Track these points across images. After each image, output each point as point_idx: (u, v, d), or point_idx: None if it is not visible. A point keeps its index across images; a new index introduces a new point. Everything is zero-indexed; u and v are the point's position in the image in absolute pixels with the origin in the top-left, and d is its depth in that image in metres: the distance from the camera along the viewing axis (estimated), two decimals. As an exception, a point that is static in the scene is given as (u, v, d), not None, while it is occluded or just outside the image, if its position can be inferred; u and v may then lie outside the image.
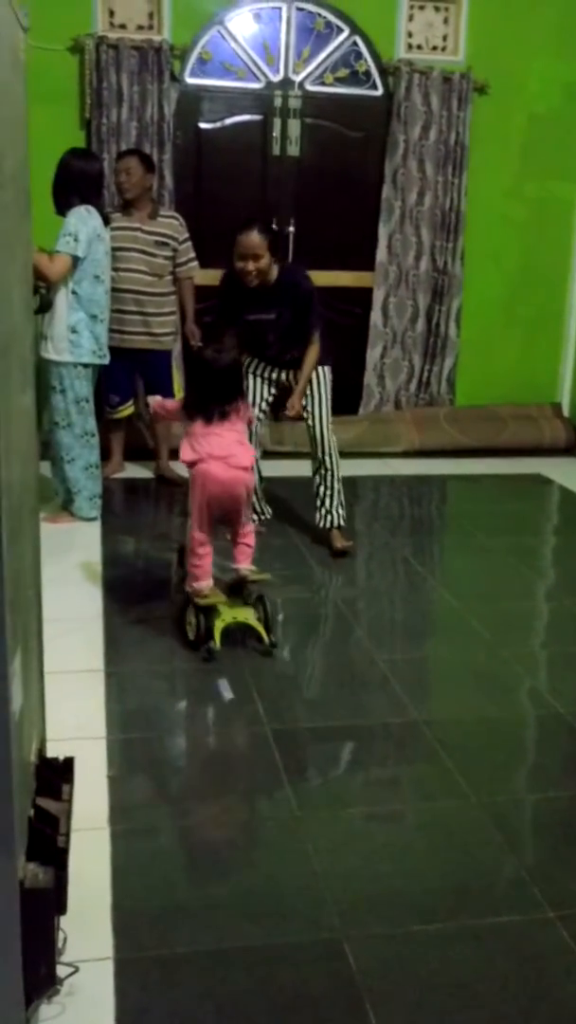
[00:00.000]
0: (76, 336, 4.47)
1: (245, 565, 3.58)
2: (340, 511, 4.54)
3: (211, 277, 6.16)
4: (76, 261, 4.38)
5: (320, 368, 4.52)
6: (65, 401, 4.53)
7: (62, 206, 4.43)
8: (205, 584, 3.50)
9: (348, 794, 2.67)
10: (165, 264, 5.20)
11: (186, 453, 3.45)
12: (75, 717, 2.91)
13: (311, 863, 2.31)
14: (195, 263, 5.38)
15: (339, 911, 2.15)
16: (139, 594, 4.09)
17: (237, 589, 3.58)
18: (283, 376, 4.60)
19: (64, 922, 1.93)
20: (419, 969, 2.00)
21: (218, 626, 3.42)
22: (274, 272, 4.34)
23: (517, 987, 1.97)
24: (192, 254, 5.35)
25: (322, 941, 2.06)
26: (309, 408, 4.52)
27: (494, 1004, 1.92)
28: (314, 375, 4.50)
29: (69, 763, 2.11)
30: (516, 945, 2.08)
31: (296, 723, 3.02)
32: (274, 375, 4.63)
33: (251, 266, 4.22)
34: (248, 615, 3.49)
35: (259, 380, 4.65)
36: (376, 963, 2.01)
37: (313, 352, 4.44)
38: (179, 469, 5.06)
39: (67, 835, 1.89)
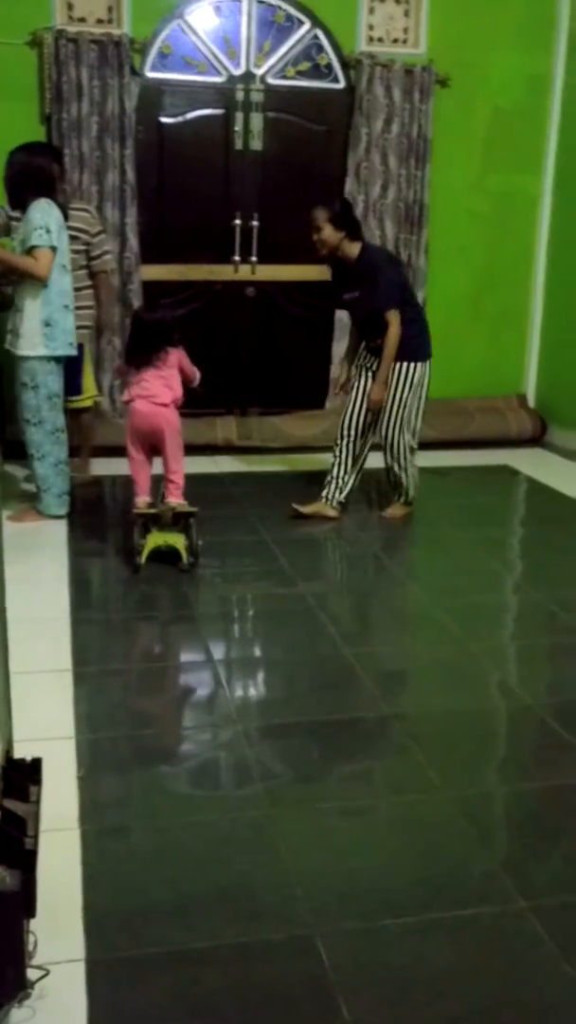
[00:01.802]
0: (50, 329, 4.43)
1: (173, 499, 4.15)
2: (401, 489, 4.86)
3: (175, 272, 6.17)
4: (53, 252, 4.36)
5: (400, 363, 4.60)
6: (37, 397, 4.49)
7: (17, 201, 4.39)
8: (140, 499, 4.20)
9: (319, 790, 2.66)
10: (76, 258, 4.99)
11: (125, 395, 4.25)
12: (43, 717, 2.88)
13: (283, 860, 2.30)
14: (109, 255, 5.27)
15: (311, 907, 2.14)
16: (106, 593, 4.07)
17: (169, 519, 4.15)
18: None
19: (34, 925, 1.91)
20: (391, 963, 2.00)
21: (148, 545, 4.08)
22: (354, 250, 4.57)
23: (489, 979, 1.97)
24: (107, 247, 5.22)
25: (294, 938, 2.06)
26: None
27: (466, 996, 1.93)
28: (396, 368, 4.59)
29: (37, 764, 2.09)
30: (488, 937, 2.08)
31: (267, 719, 3.01)
32: (374, 365, 4.71)
33: (314, 236, 4.58)
34: (177, 540, 4.10)
35: (365, 372, 4.76)
36: (348, 958, 2.00)
37: (389, 336, 4.52)
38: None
39: (35, 837, 1.87)
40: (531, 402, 6.81)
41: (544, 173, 6.53)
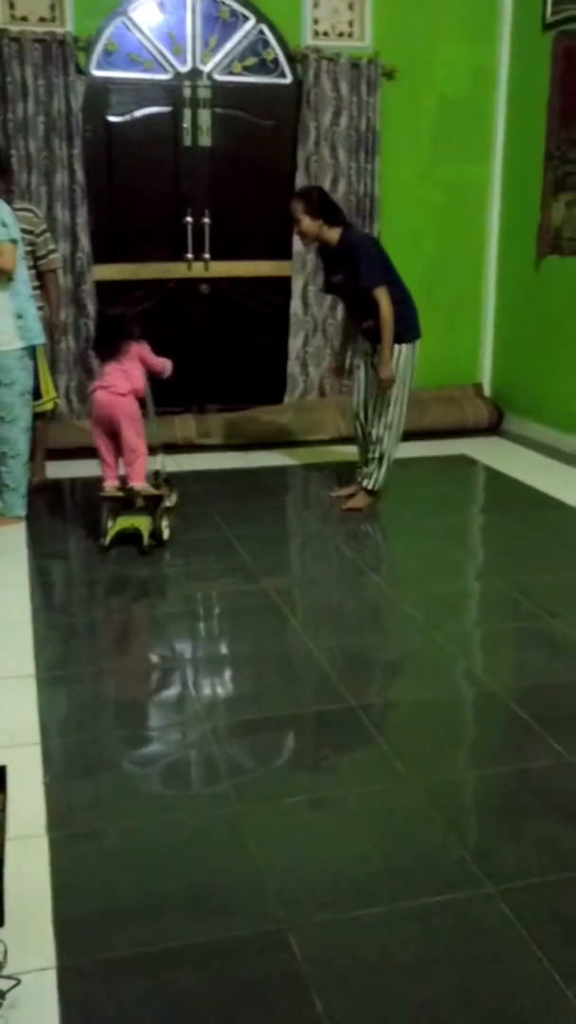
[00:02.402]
0: (23, 321, 4.42)
1: (135, 483, 4.36)
2: (368, 472, 4.86)
3: (128, 271, 6.14)
4: (14, 245, 4.34)
5: (396, 346, 4.61)
6: (11, 394, 4.47)
7: None
8: (108, 483, 4.42)
9: (287, 784, 2.67)
10: (23, 259, 4.98)
11: (93, 386, 4.48)
12: (7, 724, 2.87)
13: (253, 855, 2.31)
14: (56, 255, 5.19)
15: (282, 902, 2.15)
16: (68, 595, 4.05)
17: (130, 503, 4.39)
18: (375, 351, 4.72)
19: (3, 934, 1.90)
20: (364, 953, 2.01)
21: (113, 528, 4.31)
22: (334, 235, 4.60)
23: (461, 964, 1.99)
24: (52, 246, 5.13)
25: (267, 933, 2.06)
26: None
27: (439, 982, 1.94)
28: (378, 350, 4.62)
29: (1, 771, 2.08)
30: (459, 923, 2.10)
31: (234, 716, 3.01)
32: (370, 350, 4.73)
33: (295, 229, 4.69)
34: (142, 523, 4.29)
35: (363, 356, 4.80)
36: (321, 951, 2.01)
37: (382, 314, 4.52)
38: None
39: (2, 845, 1.86)
40: (487, 391, 6.86)
41: (492, 162, 6.58)
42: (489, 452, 6.09)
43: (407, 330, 4.68)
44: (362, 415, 4.88)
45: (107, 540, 4.30)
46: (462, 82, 6.40)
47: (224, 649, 3.60)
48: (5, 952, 1.90)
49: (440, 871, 2.27)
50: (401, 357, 4.67)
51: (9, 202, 4.57)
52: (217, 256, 6.22)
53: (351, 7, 6.14)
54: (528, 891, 2.19)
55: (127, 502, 4.39)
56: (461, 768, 2.75)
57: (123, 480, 4.43)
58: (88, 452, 5.74)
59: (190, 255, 6.19)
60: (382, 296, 4.52)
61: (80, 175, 5.78)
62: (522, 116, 6.29)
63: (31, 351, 4.54)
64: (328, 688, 3.14)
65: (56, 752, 2.76)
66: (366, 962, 1.99)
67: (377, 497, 4.93)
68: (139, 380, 4.40)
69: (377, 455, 4.81)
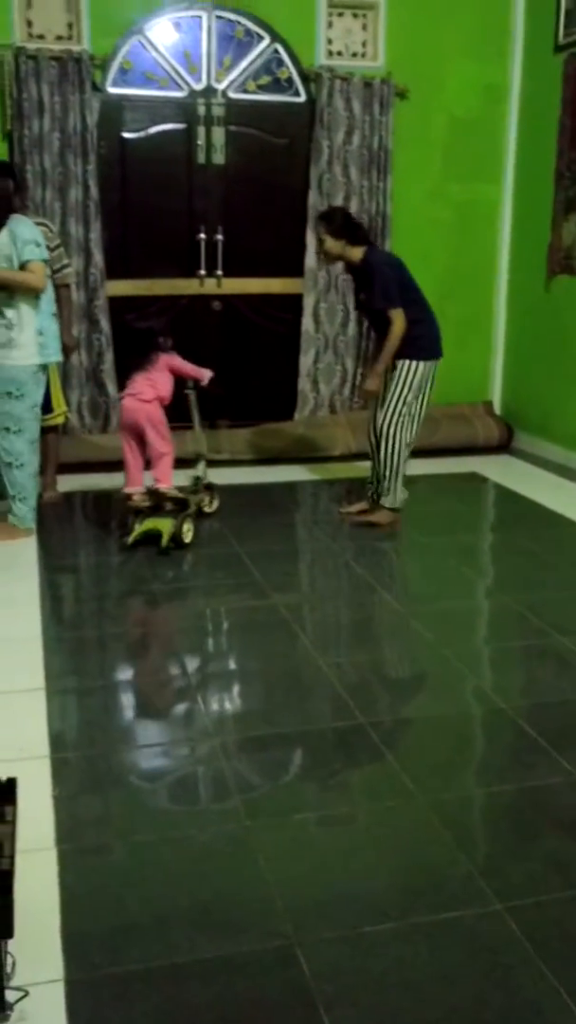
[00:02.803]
0: (43, 338, 4.49)
1: (161, 484, 4.60)
2: (383, 490, 4.88)
3: (141, 287, 6.18)
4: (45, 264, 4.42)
5: (403, 360, 4.66)
6: (22, 406, 4.50)
7: None
8: (131, 489, 4.66)
9: (296, 800, 2.67)
10: (48, 277, 4.96)
11: (121, 395, 4.74)
12: (17, 737, 2.88)
13: (262, 872, 2.31)
14: (69, 269, 5.24)
15: (291, 918, 2.15)
16: (79, 610, 4.06)
17: (158, 506, 4.62)
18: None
19: (12, 946, 1.90)
20: (372, 970, 2.01)
21: (138, 528, 4.51)
22: (357, 254, 4.68)
23: (469, 981, 1.99)
24: (66, 260, 5.18)
25: (275, 949, 2.06)
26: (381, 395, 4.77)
27: (447, 999, 1.94)
28: (399, 365, 4.67)
29: (11, 784, 2.08)
30: (467, 940, 2.10)
31: (243, 732, 3.01)
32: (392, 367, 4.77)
33: (318, 248, 4.81)
34: (164, 525, 4.47)
35: (385, 375, 4.80)
36: (329, 967, 2.01)
37: (390, 332, 4.59)
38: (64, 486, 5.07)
39: (11, 857, 1.86)
40: (497, 409, 6.87)
41: (503, 180, 6.61)
42: (499, 470, 6.10)
43: (424, 348, 4.71)
44: (373, 431, 4.90)
45: (131, 540, 4.50)
46: (474, 102, 6.44)
47: (233, 665, 3.60)
48: (14, 964, 1.91)
49: (448, 888, 2.27)
50: (416, 374, 4.70)
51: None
52: (229, 273, 6.25)
53: (364, 28, 6.19)
54: (536, 908, 2.18)
55: (155, 506, 4.64)
56: (470, 785, 2.74)
57: (150, 491, 4.68)
58: (99, 466, 5.81)
59: (203, 272, 6.23)
60: (396, 316, 4.58)
61: (94, 191, 5.83)
62: (533, 136, 6.32)
63: (46, 367, 4.58)
64: (337, 705, 3.14)
65: (65, 766, 2.76)
66: (374, 979, 1.99)
67: (398, 513, 4.92)
68: (165, 388, 4.64)
69: (385, 471, 4.83)
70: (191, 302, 6.29)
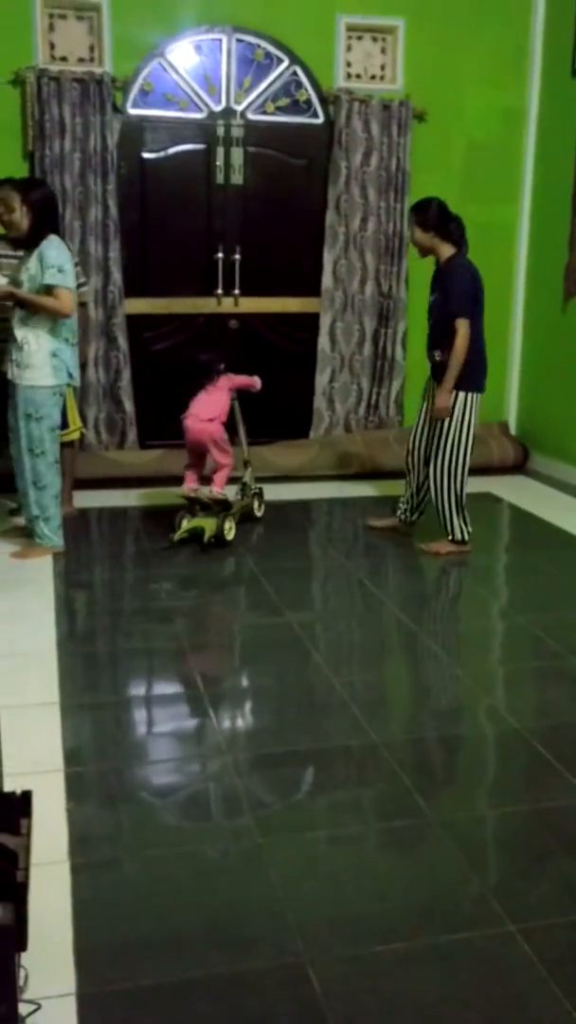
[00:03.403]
0: (57, 360, 4.50)
1: (214, 488, 4.94)
2: (446, 525, 4.80)
3: (159, 307, 6.23)
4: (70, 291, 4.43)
5: (458, 392, 4.58)
6: (41, 428, 4.52)
7: (36, 237, 4.40)
8: (187, 486, 5.01)
9: (309, 818, 2.67)
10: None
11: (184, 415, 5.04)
12: (32, 751, 2.89)
13: (274, 888, 2.31)
14: (86, 287, 5.25)
15: (303, 935, 2.15)
16: (93, 625, 4.07)
17: (206, 506, 4.94)
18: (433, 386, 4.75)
19: (25, 959, 1.90)
20: (383, 990, 2.01)
21: (184, 526, 4.84)
22: (445, 251, 4.65)
23: (481, 1003, 1.98)
24: (83, 279, 5.19)
25: (286, 966, 2.06)
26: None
27: (459, 1021, 1.93)
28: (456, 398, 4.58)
29: (27, 797, 2.09)
30: (479, 962, 2.09)
31: (256, 749, 3.02)
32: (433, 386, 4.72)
33: (410, 236, 4.76)
34: (207, 524, 4.80)
35: (427, 395, 4.81)
36: (340, 986, 2.01)
37: (456, 344, 4.55)
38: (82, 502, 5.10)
39: (26, 870, 1.87)
40: (513, 430, 6.87)
41: (521, 203, 6.63)
42: (514, 491, 6.09)
43: (477, 380, 4.67)
44: (415, 451, 4.87)
45: (176, 537, 4.82)
46: (491, 125, 6.48)
47: (247, 682, 3.61)
48: (26, 977, 1.91)
49: (461, 909, 2.26)
50: (471, 409, 4.64)
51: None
52: (247, 292, 6.29)
53: (383, 51, 6.24)
54: (549, 931, 2.17)
55: (204, 505, 4.93)
56: (483, 806, 2.74)
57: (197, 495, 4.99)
58: (116, 482, 5.85)
59: (220, 291, 6.27)
60: (462, 326, 4.54)
61: (113, 210, 5.88)
62: (550, 159, 6.35)
63: (63, 388, 4.60)
64: (350, 723, 3.14)
65: (79, 780, 2.77)
66: (386, 999, 1.99)
67: (466, 544, 4.81)
68: (222, 405, 5.06)
69: (443, 505, 4.74)
70: (208, 321, 6.33)
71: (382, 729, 3.09)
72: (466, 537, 4.82)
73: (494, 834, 2.63)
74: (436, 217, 4.62)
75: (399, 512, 5.08)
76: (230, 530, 4.90)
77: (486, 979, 2.04)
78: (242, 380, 5.16)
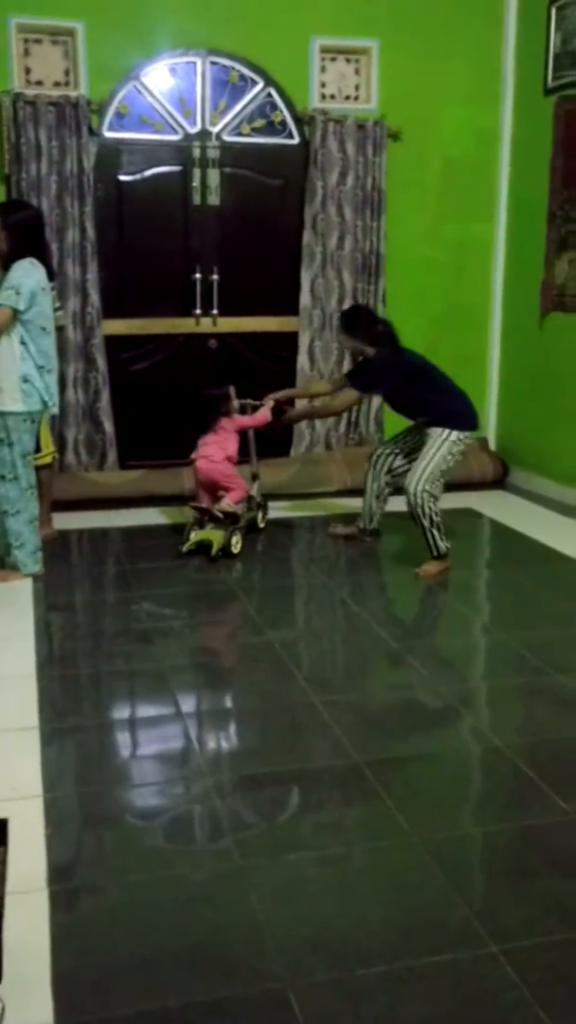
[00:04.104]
0: (28, 386, 4.43)
1: (224, 502, 5.10)
2: (428, 546, 4.87)
3: (138, 327, 6.23)
4: (16, 314, 4.34)
5: (438, 428, 4.83)
6: (12, 454, 4.48)
7: (16, 257, 4.38)
8: (199, 500, 5.22)
9: (290, 840, 2.65)
10: (49, 334, 4.92)
11: (193, 455, 5.26)
12: (10, 776, 2.86)
13: (254, 912, 2.29)
14: (61, 312, 5.25)
15: (283, 960, 2.12)
16: (74, 648, 4.04)
17: (215, 518, 5.05)
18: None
19: (1, 990, 1.88)
20: (365, 1014, 1.99)
21: (192, 538, 5.00)
22: (370, 352, 4.98)
23: (464, 1026, 1.96)
24: (57, 303, 5.16)
25: (267, 991, 2.03)
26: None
27: (442, 1045, 1.91)
28: (433, 435, 4.85)
29: (3, 824, 2.07)
30: (462, 983, 2.07)
31: (237, 771, 3.00)
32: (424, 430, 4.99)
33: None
34: (215, 536, 4.95)
35: (415, 429, 5.10)
36: (321, 1010, 1.98)
37: (334, 404, 5.23)
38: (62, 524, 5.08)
39: (1, 899, 1.85)
40: (492, 445, 6.90)
41: (496, 220, 6.68)
42: (495, 506, 6.11)
43: (455, 419, 4.85)
44: (379, 462, 5.11)
45: (185, 548, 4.97)
46: (466, 143, 6.53)
47: (228, 703, 3.59)
48: (3, 1008, 1.89)
49: (443, 930, 2.24)
50: (446, 441, 4.80)
51: (49, 262, 4.59)
52: (225, 312, 6.30)
53: (357, 72, 6.29)
54: (533, 951, 2.16)
55: (212, 517, 5.04)
56: (465, 825, 2.72)
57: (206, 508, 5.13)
58: (95, 503, 5.83)
59: (198, 311, 6.28)
60: (350, 396, 5.06)
61: (91, 232, 5.89)
62: (525, 177, 6.40)
63: (36, 415, 4.56)
64: (332, 743, 3.12)
65: (58, 805, 2.74)
66: (367, 1023, 1.96)
67: (445, 558, 4.87)
68: (232, 448, 5.25)
69: (420, 525, 4.82)
70: (187, 341, 6.33)
71: (363, 749, 3.08)
72: (446, 551, 4.87)
73: (477, 854, 2.61)
74: (363, 325, 4.98)
75: (358, 520, 5.28)
76: (237, 543, 5.01)
77: (469, 1001, 2.02)
78: (248, 421, 5.33)
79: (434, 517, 4.82)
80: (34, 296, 4.37)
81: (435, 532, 4.84)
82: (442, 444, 4.80)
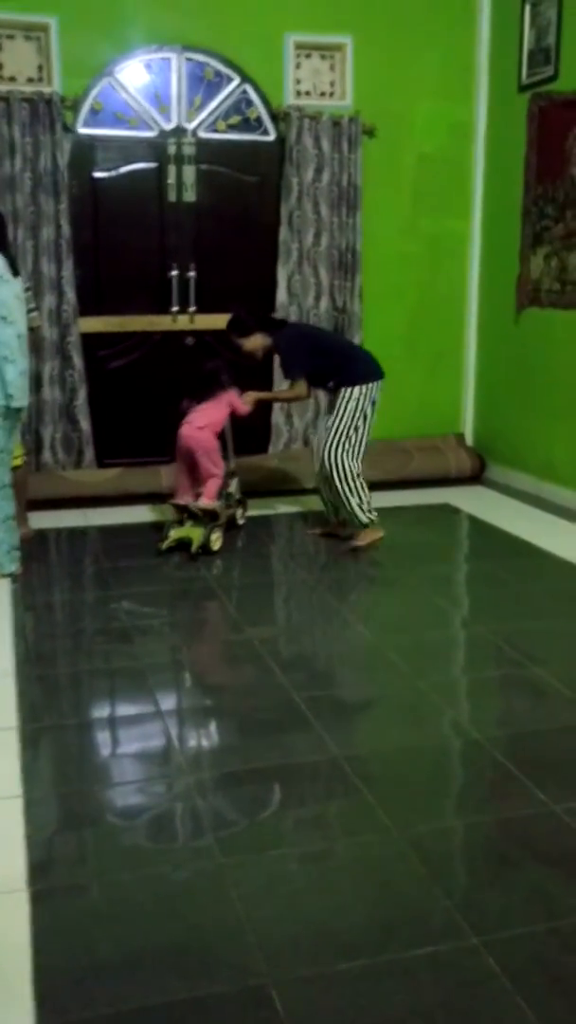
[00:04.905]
0: None
1: (203, 500, 5.06)
2: (349, 518, 5.10)
3: (114, 324, 6.21)
4: None
5: (337, 390, 5.02)
6: None
7: None
8: (178, 497, 5.19)
9: (270, 836, 2.65)
10: (11, 324, 4.87)
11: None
12: (-11, 777, 2.84)
13: (236, 909, 2.29)
14: (35, 312, 5.23)
15: (265, 956, 2.13)
16: (52, 647, 4.03)
17: (193, 515, 5.05)
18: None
19: (-18, 992, 1.87)
20: (347, 1008, 1.99)
21: (172, 536, 4.98)
22: (268, 340, 5.19)
23: (447, 1017, 1.97)
24: (32, 304, 5.15)
25: (249, 988, 2.04)
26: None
27: (424, 1037, 1.92)
28: (337, 398, 5.06)
29: (-19, 826, 2.06)
30: (443, 975, 2.08)
31: (218, 769, 3.00)
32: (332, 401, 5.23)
33: (242, 353, 5.26)
34: (194, 533, 4.94)
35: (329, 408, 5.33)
36: (304, 1006, 1.99)
37: (288, 394, 5.28)
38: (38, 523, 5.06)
39: (-19, 901, 1.84)
40: (469, 440, 6.92)
41: (472, 215, 6.70)
42: (472, 501, 6.13)
43: (353, 375, 4.99)
44: (322, 465, 5.12)
45: (164, 546, 4.95)
46: (441, 139, 6.55)
47: (208, 700, 3.58)
48: (-17, 1010, 1.88)
49: (425, 923, 2.25)
50: (351, 399, 4.96)
51: (12, 258, 4.55)
52: (202, 309, 6.29)
53: (332, 68, 6.29)
54: (514, 941, 2.17)
55: (191, 514, 5.05)
56: (445, 817, 2.74)
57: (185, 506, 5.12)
58: (72, 502, 5.81)
59: (175, 308, 6.26)
60: (296, 387, 5.07)
61: (66, 229, 5.86)
62: (500, 172, 6.42)
63: (8, 412, 4.47)
64: (312, 738, 3.13)
65: (38, 805, 2.73)
66: (350, 1017, 1.97)
67: (376, 528, 5.10)
68: (218, 417, 5.16)
69: (342, 499, 5.01)
70: (164, 338, 6.32)
71: (344, 743, 3.09)
72: (373, 519, 5.07)
73: (457, 846, 2.63)
74: (249, 321, 5.17)
75: (328, 516, 5.35)
76: (217, 540, 4.99)
77: (451, 993, 2.04)
78: (239, 405, 5.27)
79: (351, 484, 4.97)
80: None
81: (352, 501, 4.99)
82: (347, 403, 4.96)
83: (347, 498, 4.98)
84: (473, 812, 2.77)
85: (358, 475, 5.00)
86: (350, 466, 4.98)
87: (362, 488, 5.00)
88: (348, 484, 4.96)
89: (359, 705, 3.54)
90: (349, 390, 4.97)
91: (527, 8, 6.01)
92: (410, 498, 6.11)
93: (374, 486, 6.21)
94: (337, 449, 4.96)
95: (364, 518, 5.03)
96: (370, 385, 5.00)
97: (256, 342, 5.15)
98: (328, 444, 4.99)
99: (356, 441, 5.00)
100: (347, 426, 4.97)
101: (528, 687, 3.55)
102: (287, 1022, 1.94)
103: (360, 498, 5.00)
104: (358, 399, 4.97)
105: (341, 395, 4.98)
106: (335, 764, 2.95)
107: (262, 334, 5.13)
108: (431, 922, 2.25)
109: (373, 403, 5.03)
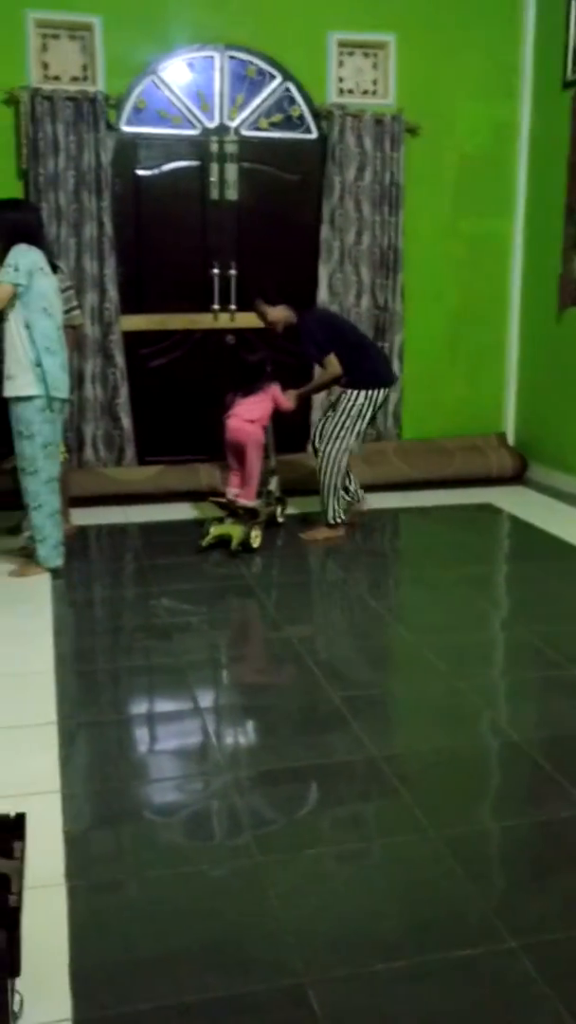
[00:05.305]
0: (41, 370, 4.37)
1: (242, 499, 5.12)
2: (323, 507, 5.27)
3: (156, 323, 6.24)
4: (19, 292, 4.30)
5: (343, 391, 5.14)
6: (33, 446, 4.45)
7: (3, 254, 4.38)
8: (228, 490, 5.24)
9: (308, 836, 2.64)
10: (51, 316, 4.89)
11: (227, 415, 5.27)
12: (28, 772, 2.87)
13: (273, 908, 2.28)
14: (77, 311, 5.25)
15: (301, 955, 2.12)
16: (91, 644, 4.05)
17: (234, 513, 5.09)
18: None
19: (20, 984, 1.88)
20: (383, 1009, 1.98)
21: (212, 533, 4.98)
22: (294, 315, 5.24)
23: (483, 1020, 1.96)
24: (74, 303, 5.19)
25: (285, 987, 2.03)
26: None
27: (460, 1041, 1.91)
28: (343, 397, 5.18)
29: (20, 819, 2.07)
30: (481, 978, 2.07)
31: (256, 767, 2.99)
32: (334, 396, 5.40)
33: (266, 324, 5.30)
34: (234, 531, 4.94)
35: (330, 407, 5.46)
36: (340, 1006, 1.98)
37: (324, 376, 5.23)
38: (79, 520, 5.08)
39: (19, 894, 1.85)
40: (511, 440, 6.87)
41: (514, 215, 6.65)
42: (513, 501, 6.08)
43: (361, 378, 5.08)
44: (315, 453, 5.29)
45: (204, 543, 4.98)
46: (484, 138, 6.50)
47: (246, 698, 3.59)
48: (21, 1003, 1.89)
49: (462, 925, 2.23)
50: (355, 403, 5.06)
51: (49, 252, 4.58)
52: (243, 307, 6.29)
53: (375, 66, 6.27)
54: (552, 946, 2.15)
55: (232, 511, 5.08)
56: (483, 819, 2.71)
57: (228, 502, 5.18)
58: (114, 499, 5.84)
59: (216, 306, 6.28)
60: (329, 364, 5.05)
61: (108, 227, 5.90)
62: (543, 172, 6.36)
63: (53, 403, 4.47)
64: (350, 738, 3.12)
65: (76, 801, 2.75)
66: (386, 1018, 1.96)
67: (337, 529, 5.23)
68: (264, 411, 5.26)
69: (322, 489, 5.18)
70: (205, 336, 6.33)
71: (381, 744, 3.07)
72: (339, 520, 5.23)
73: (495, 848, 2.60)
74: (273, 289, 5.22)
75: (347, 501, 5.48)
76: (256, 537, 5.02)
77: (488, 996, 2.02)
78: (282, 400, 5.33)
79: (336, 482, 5.13)
80: (32, 275, 4.32)
81: (331, 498, 5.16)
82: (351, 407, 5.07)
83: (328, 492, 5.16)
84: (511, 814, 2.74)
85: (342, 478, 5.19)
86: (340, 464, 5.14)
87: (342, 490, 5.20)
88: (333, 480, 5.13)
89: (397, 705, 3.52)
90: (355, 394, 5.07)
91: (573, 4, 5.95)
92: (451, 498, 6.08)
93: (414, 485, 6.21)
94: (333, 445, 5.10)
95: (332, 516, 5.21)
96: (377, 391, 5.10)
97: (279, 314, 5.18)
98: (325, 438, 5.13)
99: (352, 440, 5.16)
100: (348, 428, 5.09)
101: (568, 689, 3.51)
102: (323, 1022, 1.93)
103: (338, 498, 5.19)
104: (362, 405, 5.07)
105: (347, 396, 5.08)
106: (373, 764, 2.94)
107: (287, 308, 5.17)
108: (468, 924, 2.23)
109: (378, 407, 5.15)
